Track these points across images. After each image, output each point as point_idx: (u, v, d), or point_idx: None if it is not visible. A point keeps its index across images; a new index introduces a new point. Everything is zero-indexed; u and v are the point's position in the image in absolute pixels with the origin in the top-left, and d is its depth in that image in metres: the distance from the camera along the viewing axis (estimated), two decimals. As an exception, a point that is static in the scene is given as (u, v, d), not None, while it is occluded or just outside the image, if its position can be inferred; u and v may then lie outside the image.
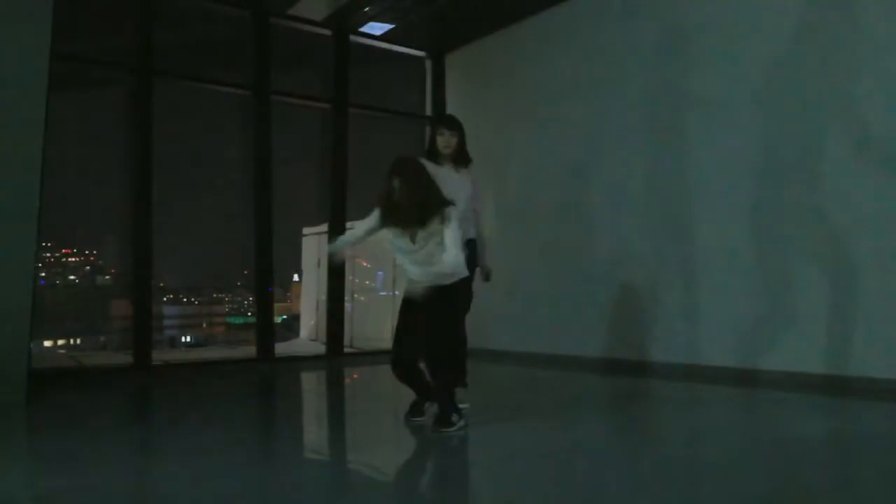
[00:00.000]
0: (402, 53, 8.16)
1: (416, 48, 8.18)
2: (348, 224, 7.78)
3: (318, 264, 7.81)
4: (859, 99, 4.59)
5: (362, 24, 7.37)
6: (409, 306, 3.56)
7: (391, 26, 7.42)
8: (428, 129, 8.26)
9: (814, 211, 4.79)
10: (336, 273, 7.47)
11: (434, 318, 3.48)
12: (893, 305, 4.38)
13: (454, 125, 4.18)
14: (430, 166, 3.71)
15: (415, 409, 3.75)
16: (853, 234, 4.61)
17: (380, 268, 10.19)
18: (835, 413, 4.12)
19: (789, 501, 2.46)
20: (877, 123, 4.51)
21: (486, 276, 4.37)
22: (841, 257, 4.66)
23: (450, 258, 3.38)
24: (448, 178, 3.88)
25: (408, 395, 3.74)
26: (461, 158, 4.18)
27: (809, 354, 4.75)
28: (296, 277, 10.77)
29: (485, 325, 6.29)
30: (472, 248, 4.05)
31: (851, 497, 2.55)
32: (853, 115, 4.61)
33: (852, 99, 4.63)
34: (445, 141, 4.13)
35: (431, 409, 3.68)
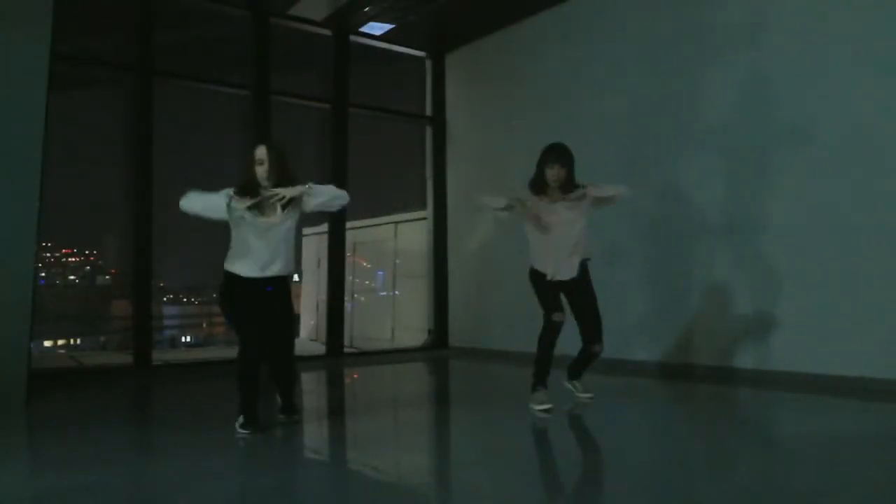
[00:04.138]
0: (402, 53, 8.15)
1: (416, 48, 8.18)
2: (348, 224, 7.79)
3: (318, 264, 7.80)
4: None
5: (362, 24, 7.36)
6: None
7: (391, 26, 7.42)
8: (429, 130, 8.29)
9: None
10: (336, 273, 7.48)
11: None
12: None
13: (566, 159, 4.11)
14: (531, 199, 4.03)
15: None
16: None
17: (379, 268, 10.20)
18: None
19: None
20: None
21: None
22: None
23: None
24: (553, 211, 4.10)
25: (410, 394, 3.72)
26: (567, 187, 4.13)
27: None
28: (296, 278, 10.79)
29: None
30: (584, 267, 4.20)
31: None
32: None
33: None
34: (555, 174, 4.09)
35: None
